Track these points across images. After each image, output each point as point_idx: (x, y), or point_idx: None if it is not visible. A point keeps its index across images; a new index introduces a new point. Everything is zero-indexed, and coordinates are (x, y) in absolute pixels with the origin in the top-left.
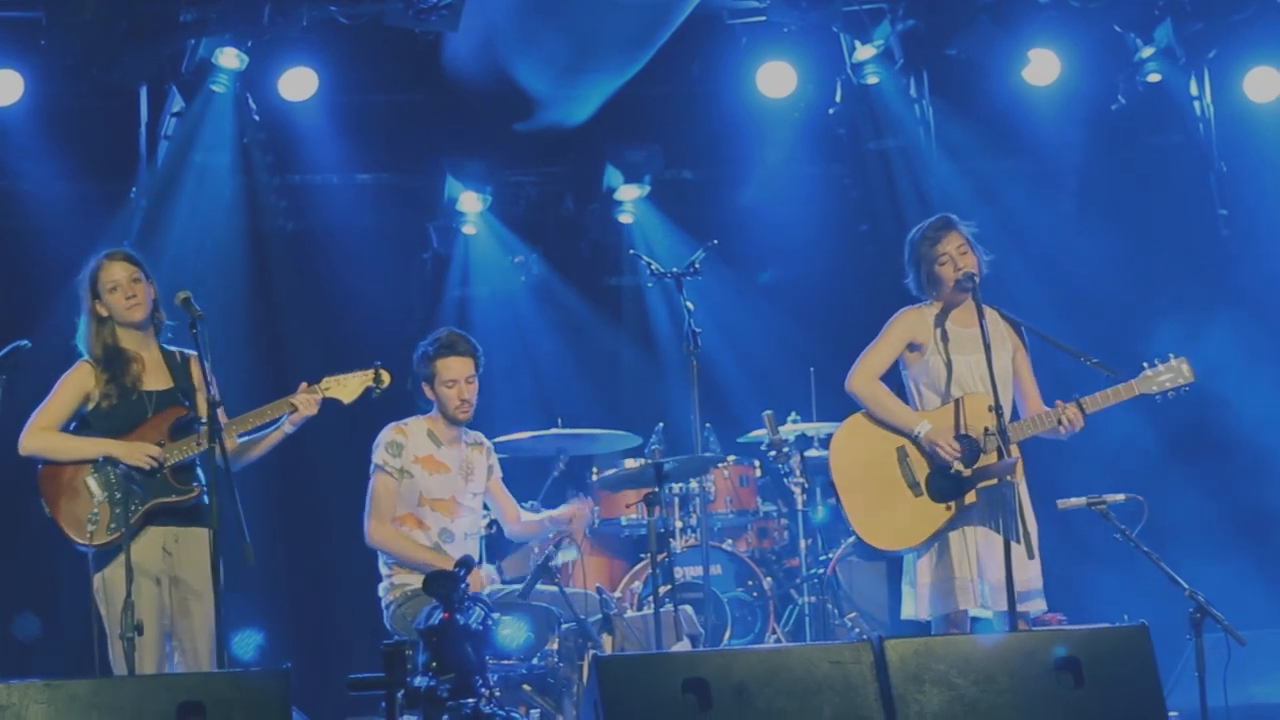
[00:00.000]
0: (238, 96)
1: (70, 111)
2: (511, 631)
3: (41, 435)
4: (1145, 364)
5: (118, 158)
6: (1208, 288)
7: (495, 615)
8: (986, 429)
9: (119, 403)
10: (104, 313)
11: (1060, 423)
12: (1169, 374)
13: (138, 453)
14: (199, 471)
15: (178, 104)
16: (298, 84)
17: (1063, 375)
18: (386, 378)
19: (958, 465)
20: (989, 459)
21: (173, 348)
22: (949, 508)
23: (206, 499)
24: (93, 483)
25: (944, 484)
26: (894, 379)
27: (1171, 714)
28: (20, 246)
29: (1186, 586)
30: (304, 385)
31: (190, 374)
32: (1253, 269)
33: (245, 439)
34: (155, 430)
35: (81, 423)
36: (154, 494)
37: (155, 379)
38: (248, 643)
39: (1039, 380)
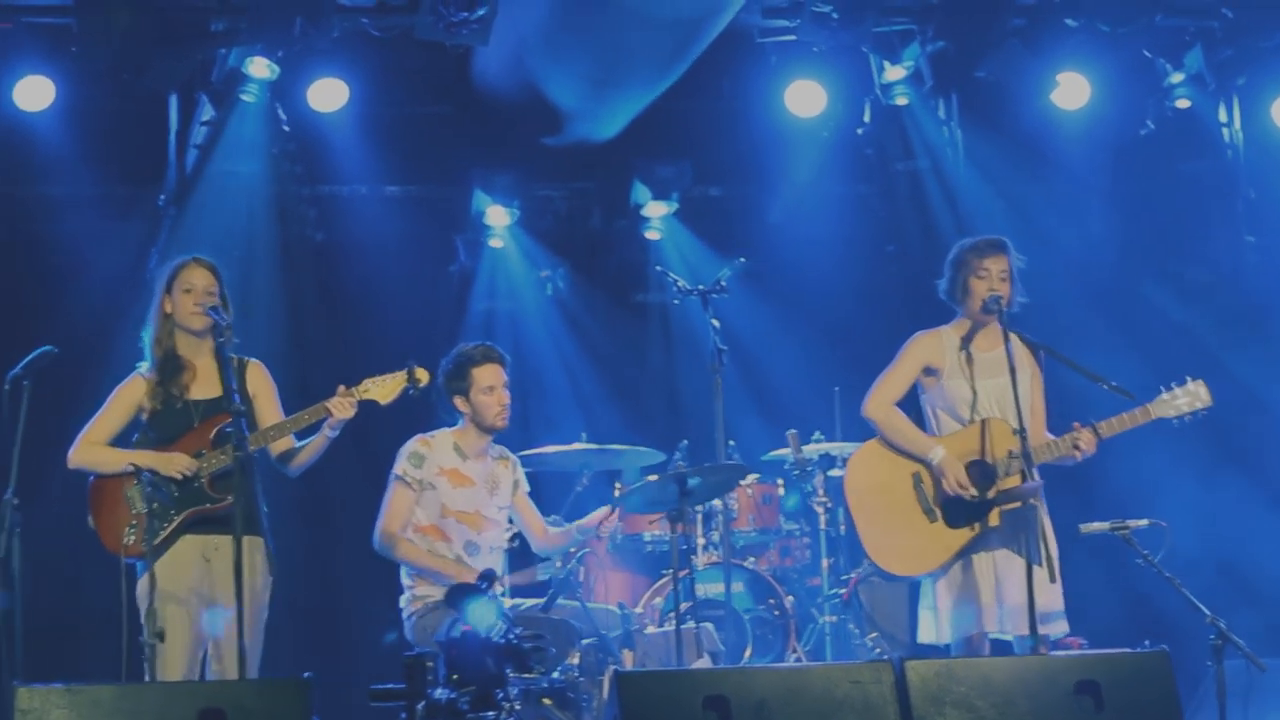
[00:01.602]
0: (268, 106)
1: (100, 118)
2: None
3: (87, 449)
4: (1163, 388)
5: (147, 165)
6: (1234, 313)
7: (517, 629)
8: (1010, 452)
9: (164, 411)
10: (169, 310)
11: (1076, 447)
12: (1186, 398)
13: (171, 464)
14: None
15: (208, 112)
16: (328, 95)
17: (1077, 398)
18: (423, 376)
19: (968, 494)
20: (1012, 482)
21: (233, 354)
22: (972, 529)
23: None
24: (133, 494)
25: (958, 509)
26: (912, 404)
27: None
28: (48, 251)
29: (1208, 613)
30: (341, 388)
31: (247, 381)
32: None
33: (296, 447)
34: (199, 439)
35: (140, 432)
36: (190, 503)
37: (204, 387)
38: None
39: (1055, 402)
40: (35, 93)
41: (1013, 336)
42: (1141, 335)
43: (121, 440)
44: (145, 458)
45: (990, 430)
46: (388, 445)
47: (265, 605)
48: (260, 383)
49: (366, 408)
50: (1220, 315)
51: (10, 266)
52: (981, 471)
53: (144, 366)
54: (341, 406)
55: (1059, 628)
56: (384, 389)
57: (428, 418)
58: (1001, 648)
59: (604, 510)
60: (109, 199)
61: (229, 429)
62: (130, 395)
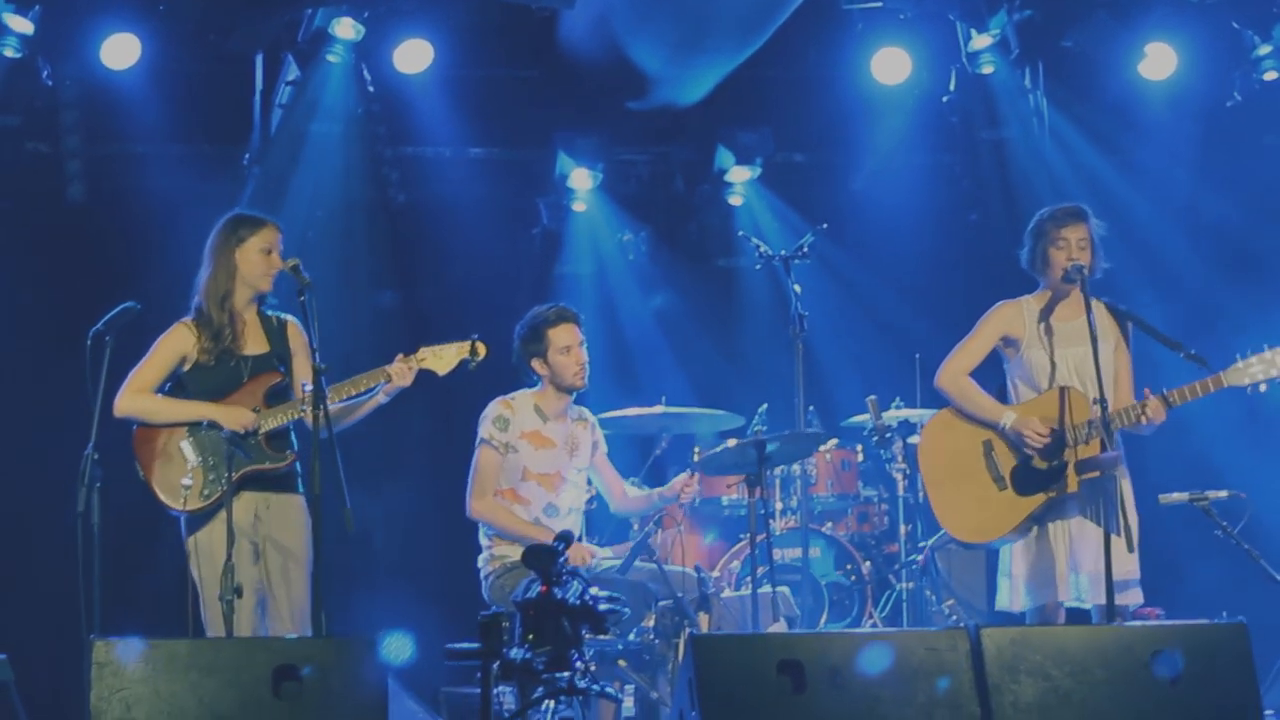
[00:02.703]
0: (353, 67)
1: (186, 77)
2: None
3: (138, 397)
4: (1238, 356)
5: (231, 124)
6: None
7: (593, 590)
8: (1090, 422)
9: (216, 365)
10: (237, 265)
11: (1143, 415)
12: (1261, 365)
13: (236, 417)
14: (293, 438)
15: (293, 72)
16: (413, 56)
17: (1160, 368)
18: (482, 350)
19: (1037, 460)
20: (1090, 451)
21: (271, 312)
22: (1041, 496)
23: (299, 466)
24: (187, 447)
25: (1028, 477)
26: (995, 375)
27: (1267, 713)
28: (132, 208)
29: None
30: (400, 356)
31: (287, 339)
32: None
33: (340, 405)
34: (250, 396)
35: (176, 384)
36: (249, 460)
37: (253, 343)
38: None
39: (1140, 372)
40: (122, 51)
41: (1097, 305)
42: (1220, 309)
43: (162, 391)
44: (208, 410)
45: (1069, 399)
46: (469, 403)
47: (309, 563)
48: (299, 341)
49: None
50: None
51: (95, 224)
52: (1053, 438)
53: (188, 316)
54: (401, 374)
55: (1134, 598)
56: (441, 360)
57: (510, 381)
58: (1078, 616)
59: (684, 476)
60: (194, 158)
61: (286, 386)
62: (176, 346)
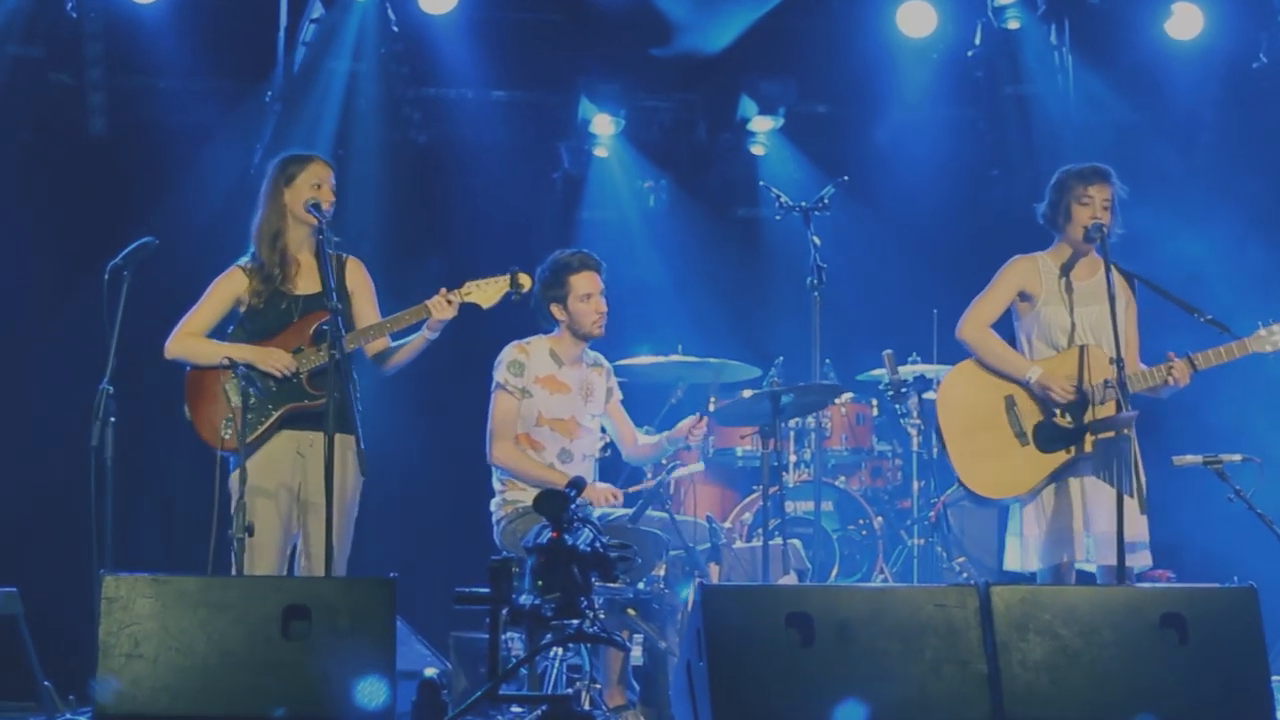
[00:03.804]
0: (378, 6)
1: (210, 11)
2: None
3: (185, 340)
4: (1260, 323)
5: (255, 60)
6: None
7: (604, 538)
8: (1106, 381)
9: (266, 306)
10: (287, 204)
11: (1169, 377)
12: None
13: (271, 359)
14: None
15: (317, 10)
16: None
17: (1169, 330)
18: (526, 282)
19: (1064, 417)
20: (1107, 410)
21: (333, 251)
22: (1067, 452)
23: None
24: (230, 389)
25: (1052, 434)
26: (1006, 331)
27: (1275, 678)
28: (153, 142)
29: None
30: (443, 290)
31: (346, 278)
32: None
33: (392, 345)
34: (298, 335)
35: (238, 325)
36: (288, 399)
37: (306, 283)
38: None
39: (1146, 334)
40: None
41: (1111, 266)
42: (1243, 271)
43: (218, 333)
44: (244, 351)
45: (1089, 357)
46: (487, 349)
47: (355, 504)
48: (359, 280)
49: (468, 311)
50: None
51: (117, 157)
52: (1079, 397)
53: (244, 259)
54: (442, 307)
55: (1143, 560)
56: (486, 292)
57: (530, 322)
58: (1084, 578)
59: (692, 418)
60: (216, 93)
61: (326, 326)
62: (230, 288)
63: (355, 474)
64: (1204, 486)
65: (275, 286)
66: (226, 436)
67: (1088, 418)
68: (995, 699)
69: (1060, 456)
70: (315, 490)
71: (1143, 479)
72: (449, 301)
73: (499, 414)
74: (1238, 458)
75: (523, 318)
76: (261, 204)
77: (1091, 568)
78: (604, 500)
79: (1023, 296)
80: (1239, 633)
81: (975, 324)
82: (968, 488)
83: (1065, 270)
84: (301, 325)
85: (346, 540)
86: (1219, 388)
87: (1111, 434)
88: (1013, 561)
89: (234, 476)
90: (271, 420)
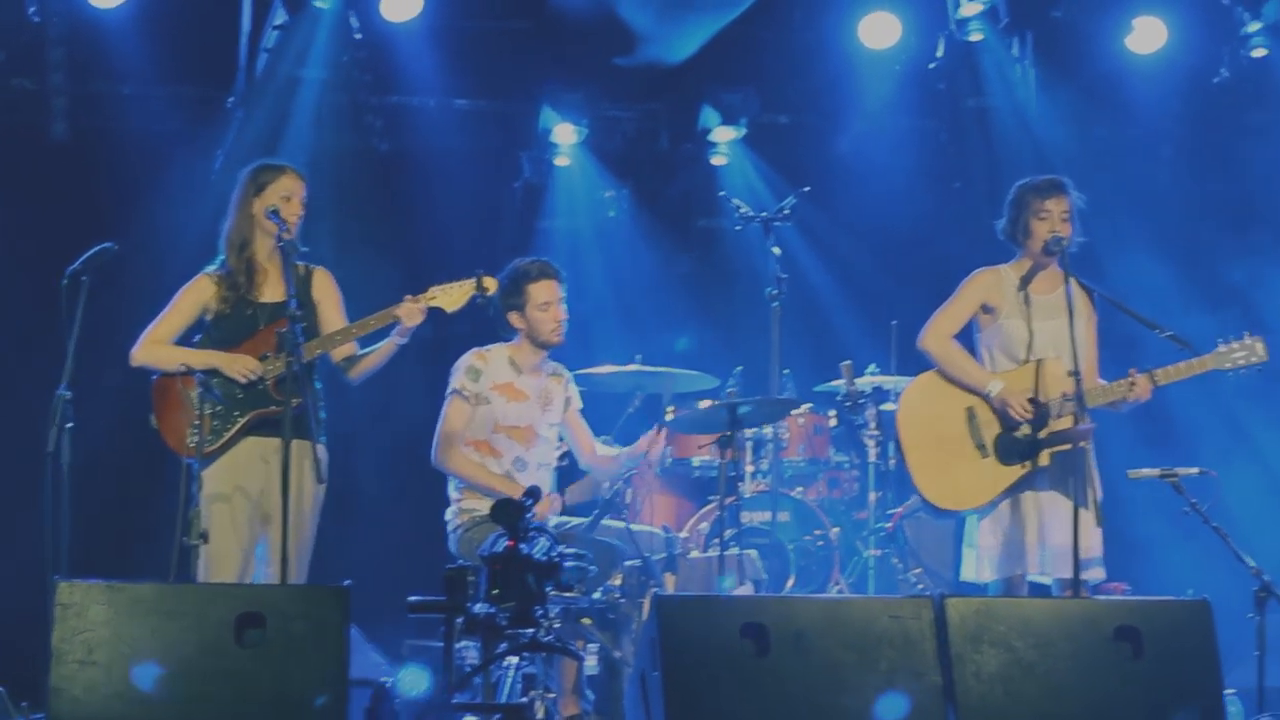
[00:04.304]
0: (340, 14)
1: (172, 17)
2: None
3: (152, 348)
4: (1220, 340)
5: (217, 66)
6: None
7: (560, 548)
8: (1064, 394)
9: (232, 314)
10: (257, 211)
11: (1130, 393)
12: (1243, 351)
13: (238, 364)
14: (314, 383)
15: (280, 16)
16: (401, 5)
17: (1130, 345)
18: (491, 285)
19: (1025, 429)
20: (1065, 423)
21: (299, 261)
22: (1022, 466)
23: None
24: (195, 396)
25: (1011, 446)
26: (966, 342)
27: (1229, 691)
28: (114, 148)
29: (1253, 564)
30: (409, 296)
31: (311, 286)
32: None
33: (361, 352)
34: (264, 342)
35: (204, 333)
36: (253, 405)
37: (273, 291)
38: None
39: (1107, 349)
40: None
41: (1072, 280)
42: (1203, 285)
43: (185, 341)
44: (210, 358)
45: (1045, 371)
46: (446, 357)
47: (316, 511)
48: (326, 290)
49: (427, 320)
50: None
51: (79, 162)
52: (1035, 411)
53: (212, 267)
54: (410, 313)
55: (1096, 574)
56: (451, 297)
57: (491, 330)
58: (1038, 591)
59: (650, 433)
60: (179, 99)
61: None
62: (197, 295)
63: (314, 480)
64: (1161, 499)
65: (241, 294)
66: (193, 444)
67: (1044, 431)
68: (949, 710)
69: (1018, 469)
70: (278, 497)
71: (1099, 492)
72: (417, 307)
73: (448, 419)
74: (1194, 471)
75: (483, 326)
76: (231, 212)
77: (1048, 580)
78: (545, 511)
79: (985, 309)
80: (1193, 646)
81: (937, 335)
82: (926, 499)
83: (1025, 283)
84: (267, 333)
85: (307, 548)
86: (1176, 400)
87: (1068, 447)
88: (968, 573)
89: (205, 482)
90: (238, 426)
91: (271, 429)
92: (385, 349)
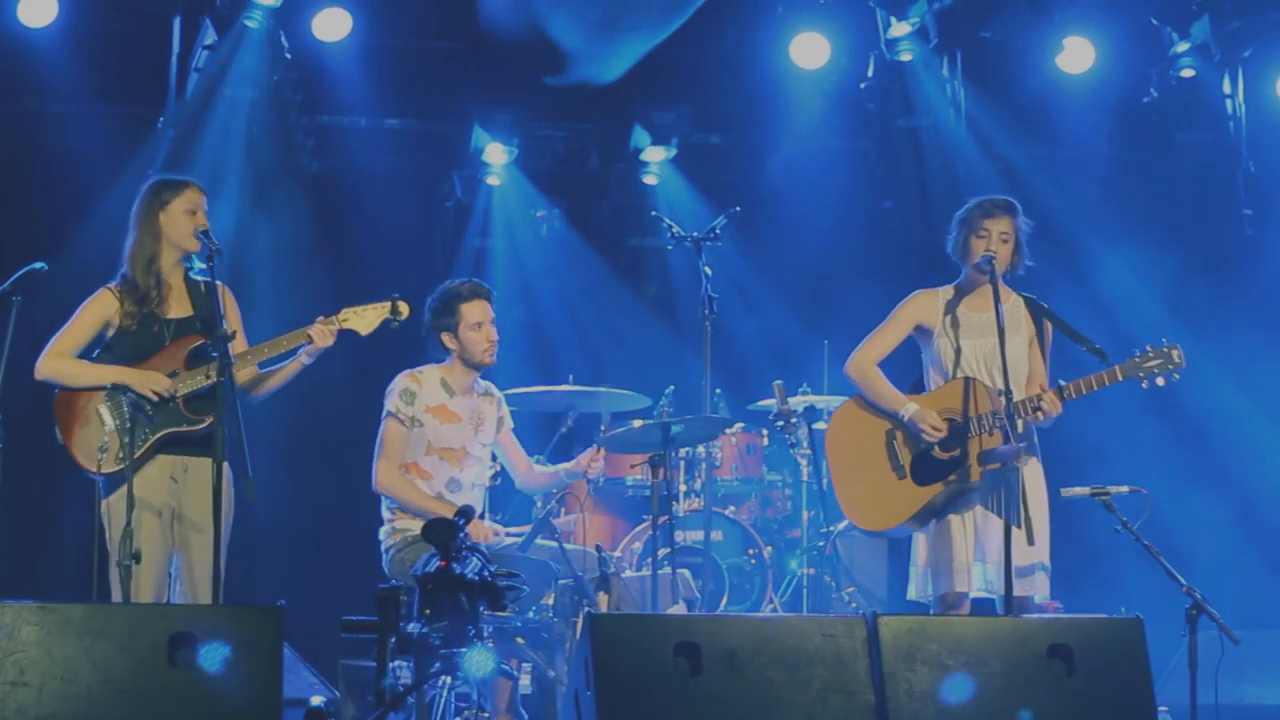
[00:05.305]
0: (270, 33)
1: (102, 37)
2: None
3: (57, 361)
4: (1136, 350)
5: (148, 86)
6: (1229, 285)
7: (492, 567)
8: (994, 413)
9: (138, 329)
10: (161, 228)
11: (1039, 409)
12: (1158, 359)
13: (148, 382)
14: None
15: (210, 37)
16: (332, 24)
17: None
18: (405, 309)
19: (937, 450)
20: (992, 442)
21: (199, 277)
22: (938, 486)
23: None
24: (105, 411)
25: (928, 466)
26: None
27: (1161, 709)
28: (44, 167)
29: (1184, 582)
30: (321, 317)
31: (214, 303)
32: (1275, 269)
33: (264, 370)
34: (171, 359)
35: (105, 349)
36: (165, 423)
37: (177, 307)
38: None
39: (1062, 367)
40: (38, 9)
41: (1016, 299)
42: (1135, 302)
43: (84, 355)
44: (121, 374)
45: (973, 390)
46: (377, 376)
47: (228, 530)
48: (230, 307)
49: (359, 339)
50: (1215, 288)
51: (8, 181)
52: (953, 430)
53: (114, 282)
54: (322, 334)
55: (1040, 587)
56: (364, 320)
57: (418, 350)
58: (985, 606)
59: (590, 451)
60: (109, 118)
61: (206, 349)
62: (100, 310)
63: (230, 500)
64: (1093, 517)
65: (147, 310)
66: (102, 459)
67: (974, 449)
68: None
69: (936, 488)
70: (193, 515)
71: (1037, 507)
72: (329, 329)
73: (386, 441)
74: (1125, 489)
75: (414, 345)
76: (134, 227)
77: (995, 596)
78: (485, 538)
79: (921, 331)
80: (1125, 663)
81: (861, 360)
82: (851, 521)
83: (956, 302)
84: (174, 349)
85: (220, 566)
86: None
87: (998, 465)
88: (912, 591)
89: (115, 502)
90: (149, 444)
91: (182, 447)
92: (290, 369)
